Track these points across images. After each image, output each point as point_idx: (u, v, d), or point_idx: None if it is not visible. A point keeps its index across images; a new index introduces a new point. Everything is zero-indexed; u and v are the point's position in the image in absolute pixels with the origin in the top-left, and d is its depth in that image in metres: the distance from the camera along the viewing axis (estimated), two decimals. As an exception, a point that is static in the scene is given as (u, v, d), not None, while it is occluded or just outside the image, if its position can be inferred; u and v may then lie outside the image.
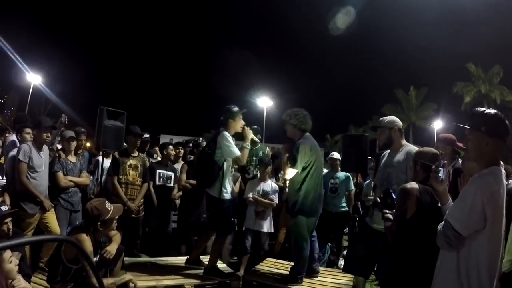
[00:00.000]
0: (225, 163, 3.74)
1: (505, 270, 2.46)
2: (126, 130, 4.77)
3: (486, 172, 1.83)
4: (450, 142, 3.56)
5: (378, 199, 2.71)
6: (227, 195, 3.75)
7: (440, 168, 2.12)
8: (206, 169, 3.72)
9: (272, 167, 5.29)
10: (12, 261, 2.24)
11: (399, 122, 3.40)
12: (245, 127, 3.91)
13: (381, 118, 3.49)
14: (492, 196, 1.78)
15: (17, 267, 2.29)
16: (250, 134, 3.93)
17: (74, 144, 4.46)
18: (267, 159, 5.30)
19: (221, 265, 4.25)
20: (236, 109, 3.89)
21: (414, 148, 3.19)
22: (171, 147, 5.37)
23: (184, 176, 4.98)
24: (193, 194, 4.83)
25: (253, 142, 4.12)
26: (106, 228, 2.99)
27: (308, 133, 3.86)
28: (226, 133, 3.75)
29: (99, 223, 2.92)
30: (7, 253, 2.21)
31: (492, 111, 1.92)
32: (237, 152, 3.72)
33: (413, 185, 2.35)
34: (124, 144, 4.96)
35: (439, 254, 1.99)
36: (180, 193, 5.19)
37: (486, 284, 1.78)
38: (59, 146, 4.74)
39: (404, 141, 3.35)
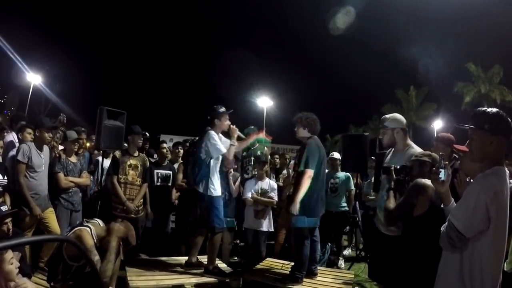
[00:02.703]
0: (211, 160, 3.84)
1: (507, 270, 2.45)
2: (128, 130, 4.76)
3: (490, 172, 1.80)
4: (449, 142, 3.53)
5: (393, 167, 2.72)
6: (214, 191, 3.84)
7: (440, 170, 2.10)
8: (193, 167, 3.85)
9: (271, 166, 5.29)
10: (13, 262, 2.23)
11: (402, 121, 3.31)
12: (231, 126, 4.03)
13: (383, 117, 3.40)
14: (496, 196, 1.75)
15: (18, 269, 2.27)
16: (236, 132, 4.05)
17: (77, 145, 4.52)
18: (264, 157, 5.31)
19: (221, 264, 4.25)
20: (222, 109, 4.01)
21: (418, 150, 3.14)
22: (164, 145, 5.29)
23: (180, 176, 4.97)
24: (190, 194, 4.81)
25: (239, 139, 4.26)
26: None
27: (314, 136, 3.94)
28: (212, 132, 3.86)
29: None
30: (9, 254, 2.21)
31: (494, 109, 1.90)
32: (223, 149, 3.83)
33: (428, 182, 2.31)
34: (125, 144, 4.95)
35: (442, 255, 1.97)
36: (178, 193, 5.18)
37: (489, 286, 1.76)
38: (61, 147, 4.73)
39: (408, 141, 3.27)
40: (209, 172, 3.81)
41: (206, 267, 3.85)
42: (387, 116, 3.39)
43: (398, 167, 2.76)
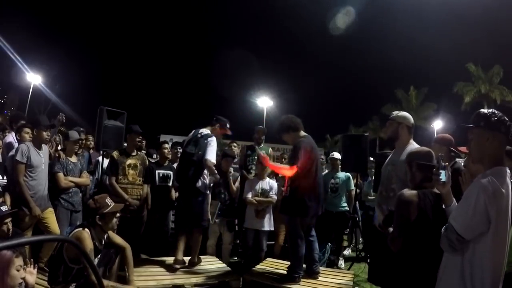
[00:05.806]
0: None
1: (506, 271, 2.45)
2: (126, 129, 4.75)
3: (490, 173, 1.79)
4: (446, 142, 3.48)
5: (381, 222, 2.73)
6: (205, 189, 4.13)
7: (441, 171, 2.09)
8: (197, 167, 3.95)
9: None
10: (19, 270, 2.22)
11: (410, 119, 3.32)
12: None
13: (394, 112, 3.45)
14: (496, 197, 1.73)
15: (22, 280, 2.26)
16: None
17: (78, 145, 4.52)
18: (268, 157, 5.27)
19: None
20: (226, 123, 4.33)
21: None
22: (165, 145, 5.29)
23: None
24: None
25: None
26: (106, 224, 2.99)
27: (305, 133, 3.92)
28: (215, 138, 4.08)
29: (98, 216, 2.93)
30: (19, 261, 2.20)
31: (490, 110, 1.94)
32: (214, 160, 3.96)
33: (411, 192, 2.29)
34: (124, 144, 4.94)
35: (443, 257, 1.96)
36: (177, 193, 5.16)
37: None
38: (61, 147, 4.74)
39: (411, 140, 3.26)
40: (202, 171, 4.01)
41: (191, 261, 4.07)
42: (398, 111, 3.42)
43: (385, 215, 2.74)
